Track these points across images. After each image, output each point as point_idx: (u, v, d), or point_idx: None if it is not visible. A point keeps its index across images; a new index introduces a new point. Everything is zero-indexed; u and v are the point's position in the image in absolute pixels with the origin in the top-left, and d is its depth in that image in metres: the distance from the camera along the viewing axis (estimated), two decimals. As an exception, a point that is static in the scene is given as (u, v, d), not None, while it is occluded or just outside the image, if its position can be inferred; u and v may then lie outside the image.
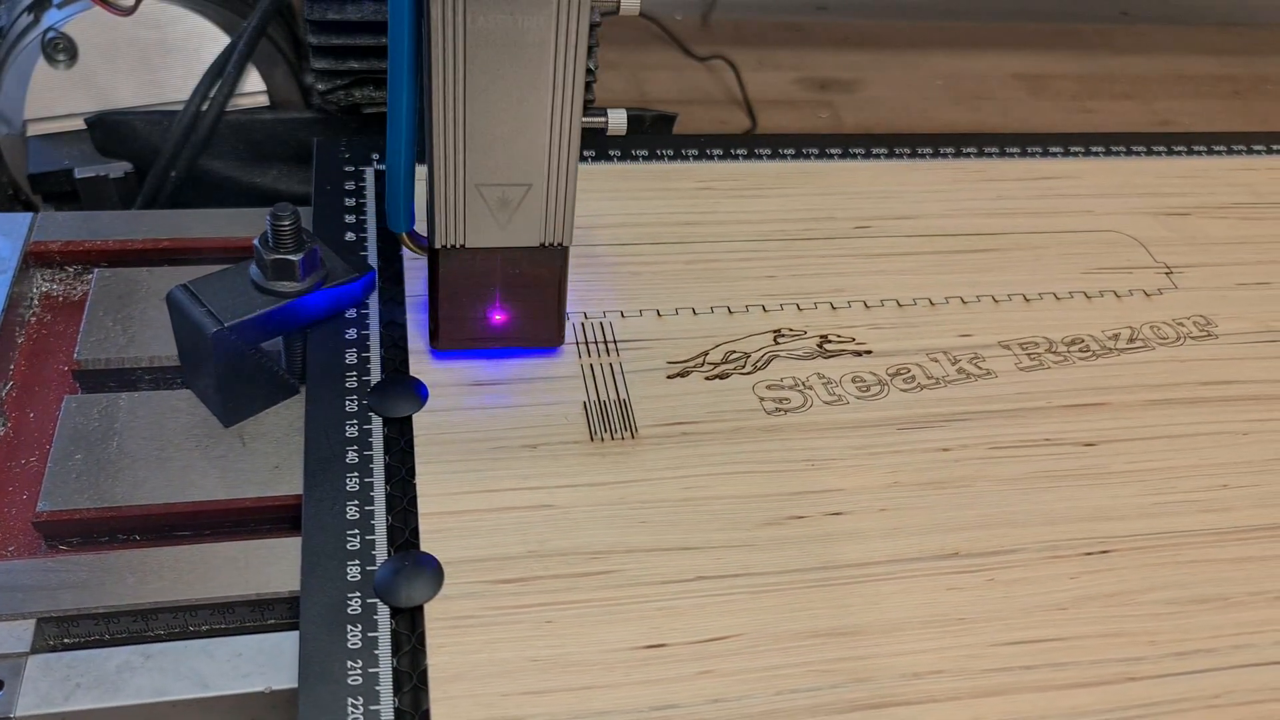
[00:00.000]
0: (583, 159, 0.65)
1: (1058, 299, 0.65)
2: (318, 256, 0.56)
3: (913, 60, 1.23)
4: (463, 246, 0.53)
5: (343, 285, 0.57)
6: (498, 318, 0.56)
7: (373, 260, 0.62)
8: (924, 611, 0.50)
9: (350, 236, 0.63)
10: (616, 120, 0.53)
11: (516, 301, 0.56)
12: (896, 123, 1.11)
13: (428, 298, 0.56)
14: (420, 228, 0.54)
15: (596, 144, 0.72)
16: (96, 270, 0.62)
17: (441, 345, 0.57)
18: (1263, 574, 0.53)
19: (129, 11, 0.62)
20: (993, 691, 0.47)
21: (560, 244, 0.54)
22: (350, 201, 0.65)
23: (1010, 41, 1.28)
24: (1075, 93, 1.20)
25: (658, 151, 0.72)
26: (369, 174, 0.67)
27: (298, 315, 0.56)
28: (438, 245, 0.53)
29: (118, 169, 0.76)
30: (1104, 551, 0.53)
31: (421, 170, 0.52)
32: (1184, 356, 0.63)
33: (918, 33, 1.27)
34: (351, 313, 0.59)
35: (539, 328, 0.57)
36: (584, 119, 0.51)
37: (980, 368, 0.61)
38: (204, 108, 0.74)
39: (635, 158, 0.72)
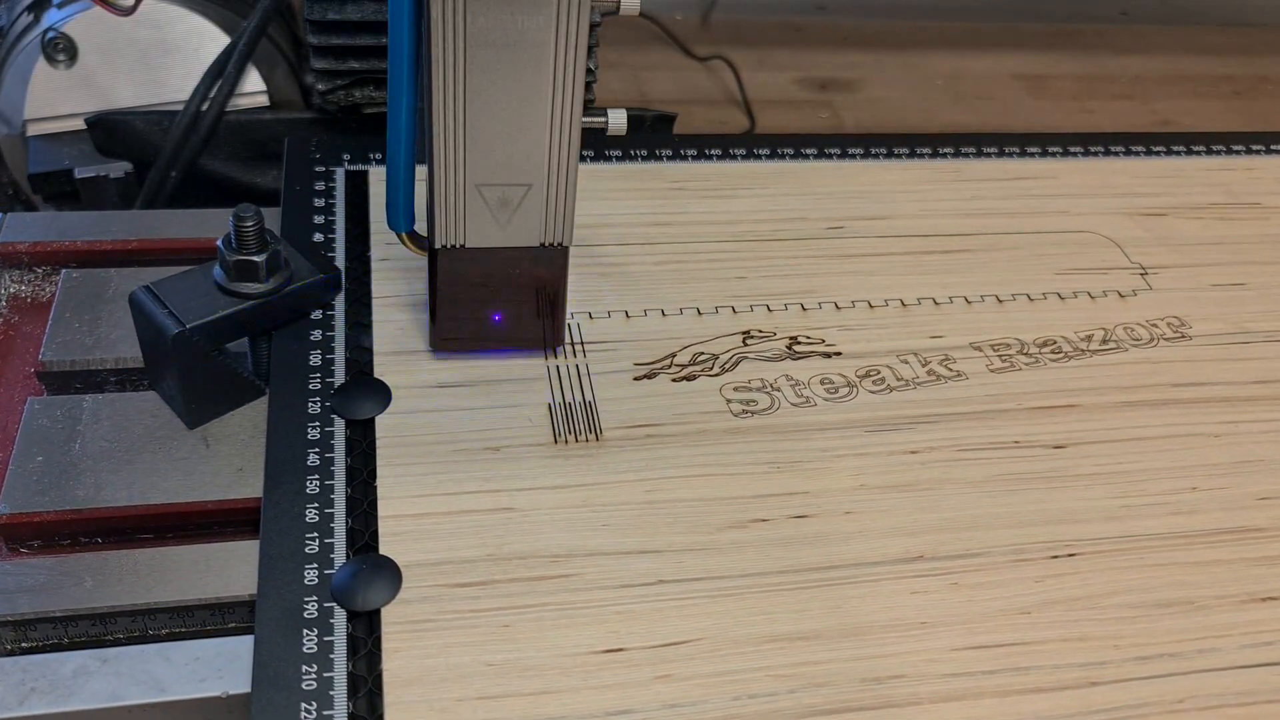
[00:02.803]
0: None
1: (1031, 300, 0.65)
2: (281, 257, 0.56)
3: (913, 60, 1.22)
4: (463, 246, 0.53)
5: (306, 285, 0.57)
6: (498, 318, 0.56)
7: (340, 261, 0.61)
8: (886, 615, 0.49)
9: (318, 237, 0.63)
10: (616, 120, 0.53)
11: (517, 302, 0.56)
12: (896, 123, 1.11)
13: (428, 298, 0.55)
14: (420, 228, 0.54)
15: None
16: (64, 271, 0.62)
17: (441, 346, 0.57)
18: (1229, 577, 0.52)
19: (129, 11, 0.62)
20: (953, 696, 0.47)
21: (560, 244, 0.54)
22: (319, 202, 0.65)
23: (1010, 41, 1.27)
24: (1075, 93, 1.20)
25: (630, 152, 0.72)
26: (339, 174, 0.67)
27: (261, 316, 0.55)
28: (438, 245, 0.53)
29: (118, 169, 0.76)
30: (1070, 555, 0.52)
31: (421, 170, 0.52)
32: (1157, 358, 0.62)
33: (918, 33, 1.27)
34: (317, 313, 0.58)
35: (539, 328, 0.57)
36: (584, 119, 0.51)
37: (951, 369, 0.60)
38: (204, 108, 0.75)
39: (608, 158, 0.71)
